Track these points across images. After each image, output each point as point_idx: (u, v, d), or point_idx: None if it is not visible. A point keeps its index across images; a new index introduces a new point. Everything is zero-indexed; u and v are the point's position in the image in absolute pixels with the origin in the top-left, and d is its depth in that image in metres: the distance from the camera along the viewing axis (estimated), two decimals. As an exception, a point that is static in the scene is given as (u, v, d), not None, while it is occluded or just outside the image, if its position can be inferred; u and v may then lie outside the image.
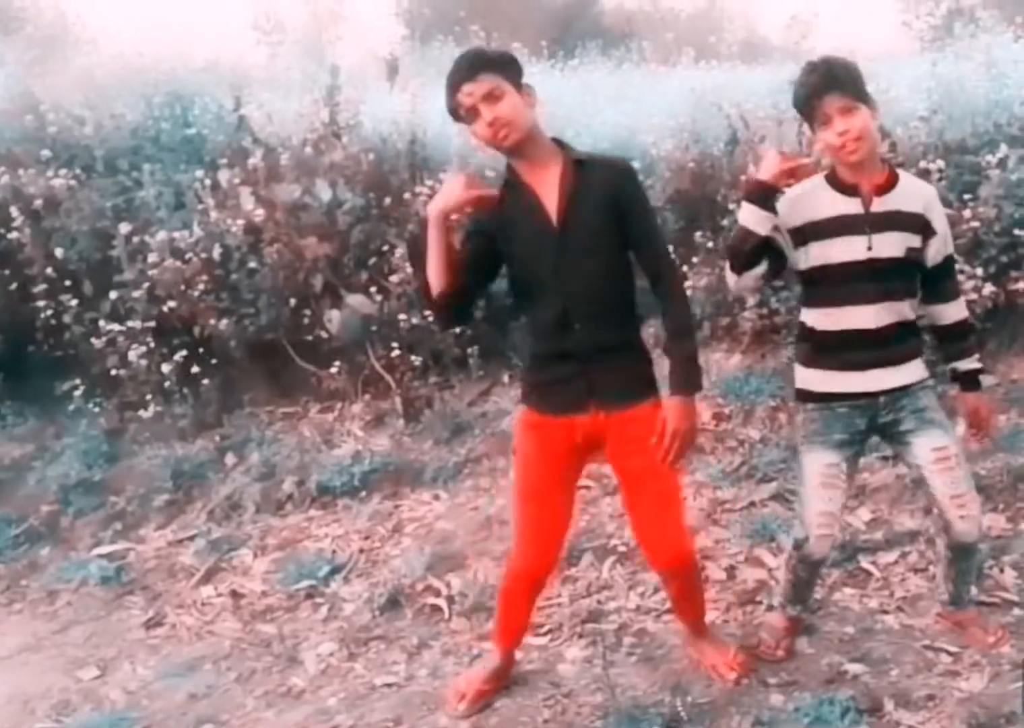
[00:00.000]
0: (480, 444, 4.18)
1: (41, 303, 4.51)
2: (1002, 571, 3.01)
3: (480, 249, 2.37)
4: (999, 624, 2.73)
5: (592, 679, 2.71)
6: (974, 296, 3.94)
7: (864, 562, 3.16)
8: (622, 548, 3.36)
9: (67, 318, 4.50)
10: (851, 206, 2.42)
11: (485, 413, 4.40)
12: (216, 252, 4.56)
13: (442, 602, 3.23)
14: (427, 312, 4.34)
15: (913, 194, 2.47)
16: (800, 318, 2.60)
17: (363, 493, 4.00)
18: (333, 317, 4.50)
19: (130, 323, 4.42)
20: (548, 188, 2.30)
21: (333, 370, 4.52)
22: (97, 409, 4.48)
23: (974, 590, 2.80)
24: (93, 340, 4.43)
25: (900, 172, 2.50)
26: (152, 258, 4.50)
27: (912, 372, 2.51)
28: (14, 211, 4.54)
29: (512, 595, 2.63)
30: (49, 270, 4.55)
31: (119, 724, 2.79)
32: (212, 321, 4.51)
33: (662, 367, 2.39)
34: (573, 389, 2.37)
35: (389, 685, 2.85)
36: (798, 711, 2.43)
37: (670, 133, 5.13)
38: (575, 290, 2.31)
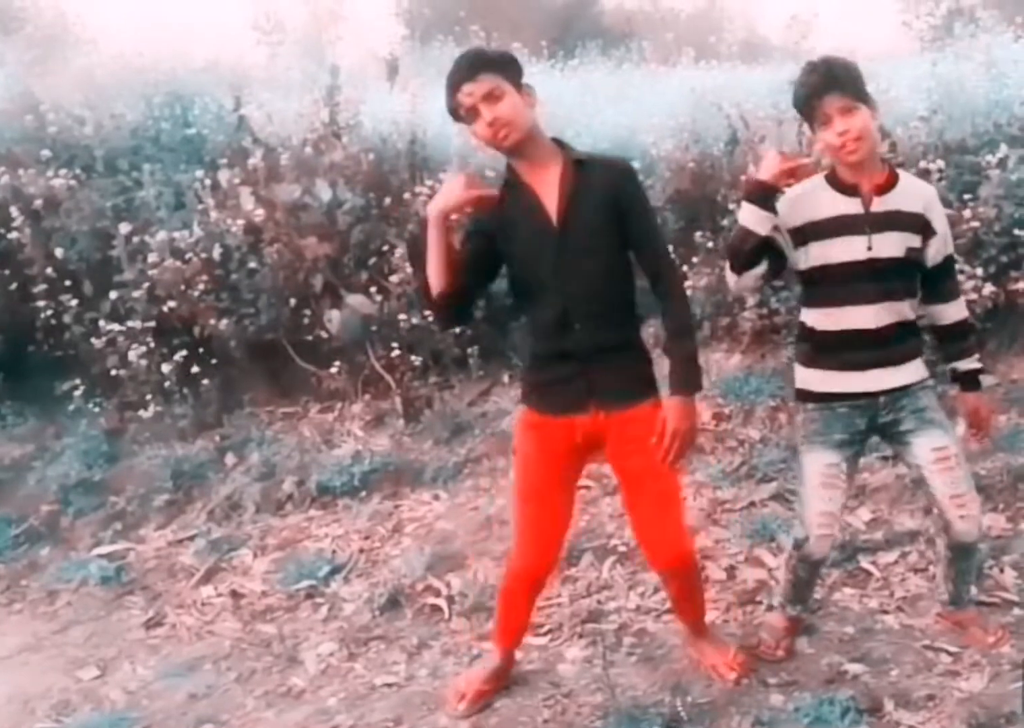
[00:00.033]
0: (480, 444, 4.18)
1: (41, 303, 4.51)
2: (1002, 571, 3.01)
3: (480, 249, 2.37)
4: (999, 624, 2.73)
5: (592, 679, 2.71)
6: (974, 296, 3.95)
7: (864, 562, 3.16)
8: (622, 548, 3.36)
9: (67, 318, 4.50)
10: (851, 206, 2.42)
11: (485, 413, 4.40)
12: (216, 252, 4.57)
13: (442, 602, 3.23)
14: (427, 312, 4.34)
15: (913, 194, 2.47)
16: (800, 318, 2.60)
17: (363, 493, 4.00)
18: (333, 317, 4.50)
19: (130, 323, 4.42)
20: (548, 188, 2.30)
21: (333, 370, 4.52)
22: (97, 409, 4.49)
23: (974, 590, 2.80)
24: (93, 340, 4.43)
25: (900, 172, 2.50)
26: (152, 258, 4.50)
27: (912, 372, 2.51)
28: (14, 211, 4.54)
29: (512, 595, 2.63)
30: (49, 270, 4.55)
31: (119, 724, 2.79)
32: (212, 321, 4.51)
33: (662, 367, 2.39)
34: (573, 389, 2.37)
35: (389, 685, 2.85)
36: (798, 711, 2.44)
37: (670, 133, 5.13)
38: (575, 290, 2.31)
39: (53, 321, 4.54)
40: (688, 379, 2.35)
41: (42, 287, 4.54)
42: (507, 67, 2.27)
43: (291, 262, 4.59)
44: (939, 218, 2.50)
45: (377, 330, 4.54)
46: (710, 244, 4.57)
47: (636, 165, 4.74)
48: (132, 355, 4.36)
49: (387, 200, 4.76)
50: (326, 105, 5.05)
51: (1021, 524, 3.27)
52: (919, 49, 8.33)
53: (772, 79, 5.59)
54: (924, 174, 3.97)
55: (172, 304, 4.48)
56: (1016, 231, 4.18)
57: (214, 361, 4.54)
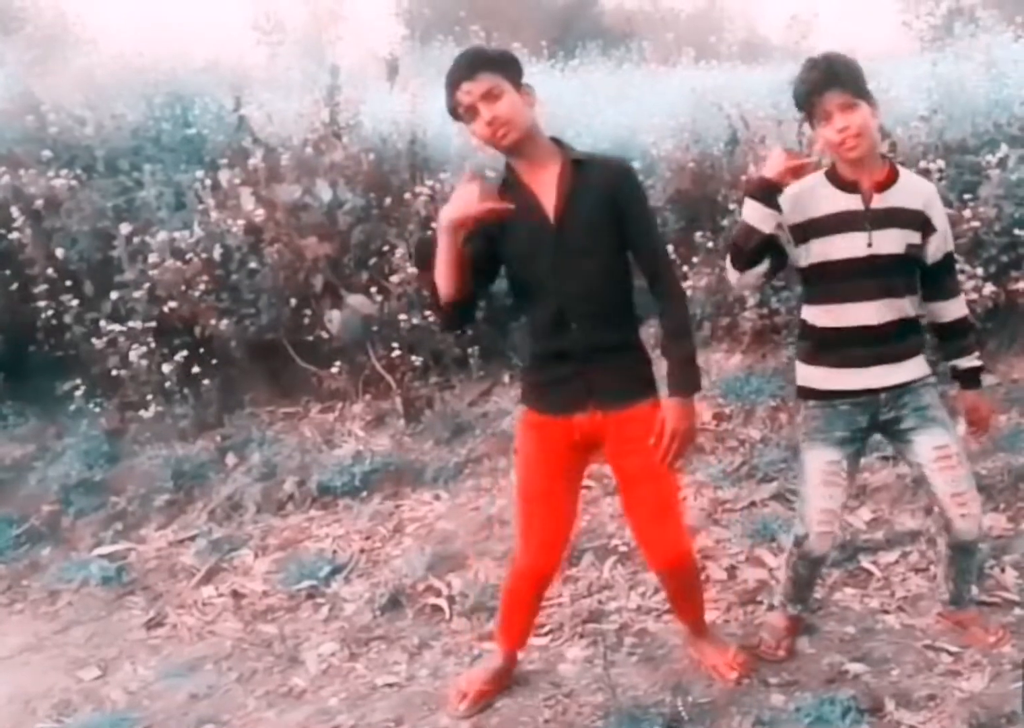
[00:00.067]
0: (481, 444, 4.18)
1: (42, 303, 4.51)
2: (1003, 571, 3.01)
3: (480, 250, 2.37)
4: (1000, 624, 2.73)
5: (593, 679, 2.71)
6: (974, 296, 3.95)
7: (865, 562, 3.16)
8: (623, 548, 3.36)
9: (68, 318, 4.50)
10: (851, 202, 2.42)
11: (486, 413, 4.40)
12: (217, 252, 4.57)
13: (443, 602, 3.23)
14: (427, 312, 4.35)
15: (913, 191, 2.47)
16: (801, 315, 2.60)
17: (364, 493, 4.00)
18: (334, 317, 4.51)
19: (131, 323, 4.42)
20: (546, 188, 2.30)
21: (334, 370, 4.52)
22: (98, 409, 4.49)
23: (975, 590, 2.80)
24: (94, 340, 4.43)
25: (900, 169, 2.50)
26: (153, 258, 4.50)
27: (914, 369, 2.51)
28: (15, 211, 4.54)
29: (517, 594, 2.63)
30: (50, 270, 4.55)
31: (120, 724, 2.79)
32: (213, 321, 4.51)
33: (662, 367, 2.39)
34: (571, 389, 2.37)
35: (390, 685, 2.85)
36: (799, 711, 2.44)
37: (670, 133, 5.14)
38: (572, 290, 2.31)
39: (54, 321, 4.54)
40: (686, 380, 2.35)
41: (43, 287, 4.54)
42: (507, 66, 2.27)
43: (291, 262, 4.59)
44: (939, 215, 2.50)
45: (378, 330, 4.55)
46: (710, 244, 4.57)
47: (636, 165, 4.78)
48: (133, 355, 4.36)
49: (387, 200, 4.76)
50: (326, 105, 5.06)
51: (1022, 524, 3.27)
52: (919, 49, 8.33)
53: (772, 79, 5.60)
54: (924, 174, 3.96)
55: (173, 304, 4.48)
56: (1016, 231, 4.18)
57: (215, 361, 4.54)
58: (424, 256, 2.39)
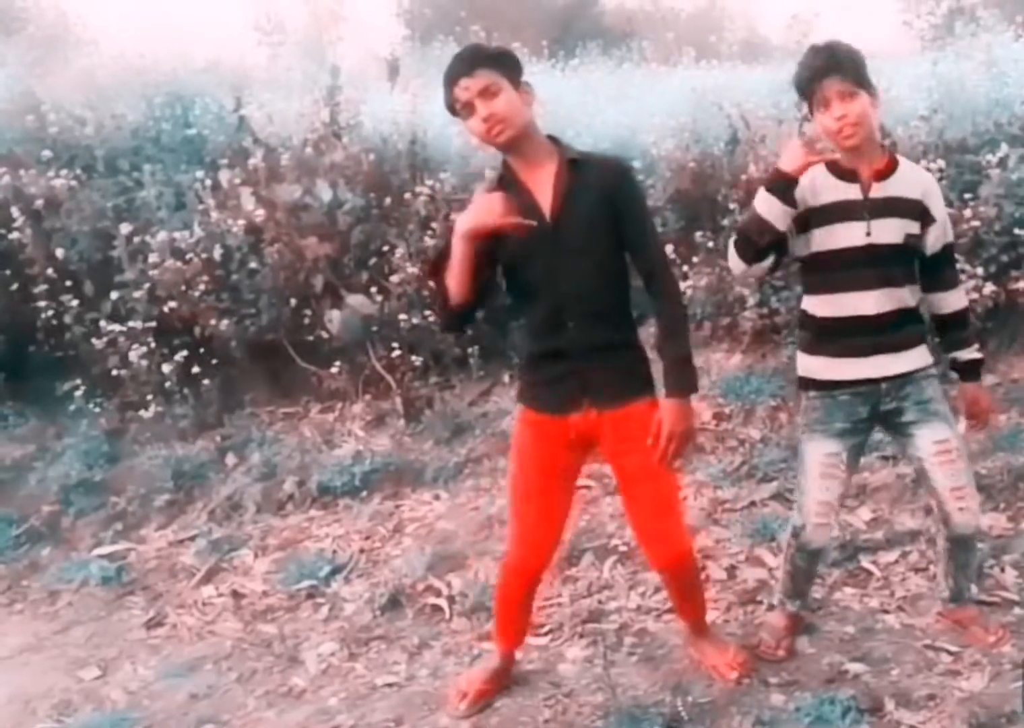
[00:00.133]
0: (481, 444, 4.18)
1: (42, 303, 4.51)
2: (1003, 570, 3.01)
3: (480, 249, 2.36)
4: (1000, 623, 2.72)
5: (593, 679, 2.71)
6: (975, 296, 3.94)
7: (865, 561, 3.16)
8: (623, 548, 3.36)
9: (68, 318, 4.50)
10: (850, 192, 2.42)
11: (486, 413, 4.40)
12: (217, 252, 4.57)
13: (443, 602, 3.23)
14: (427, 312, 4.35)
15: (912, 181, 2.47)
16: (801, 306, 2.60)
17: (364, 493, 4.00)
18: (334, 317, 4.51)
19: (131, 323, 4.42)
20: (543, 186, 2.29)
21: (334, 370, 4.52)
22: (98, 409, 4.49)
23: (974, 589, 2.80)
24: (94, 340, 4.43)
25: (900, 159, 2.49)
26: (153, 258, 4.50)
27: (915, 359, 2.50)
28: (15, 211, 4.54)
29: (507, 592, 2.62)
30: (50, 270, 4.55)
31: (120, 724, 2.79)
32: (213, 321, 4.51)
33: (660, 367, 2.38)
34: (566, 387, 2.37)
35: (390, 685, 2.85)
36: (799, 711, 2.43)
37: (671, 133, 5.14)
38: (569, 289, 2.31)
39: (54, 321, 4.54)
40: (682, 380, 2.34)
41: (43, 287, 4.54)
42: (505, 64, 2.26)
43: (292, 262, 4.59)
44: (938, 205, 2.49)
45: (378, 330, 4.55)
46: (710, 244, 4.57)
47: (637, 165, 4.80)
48: (133, 355, 4.36)
49: (387, 200, 4.76)
50: (327, 105, 5.06)
51: (1022, 523, 3.27)
52: (920, 48, 8.33)
53: (773, 79, 5.59)
54: (924, 174, 3.97)
55: (173, 304, 4.48)
56: (1016, 230, 4.18)
57: (215, 361, 4.54)
58: (436, 260, 2.38)
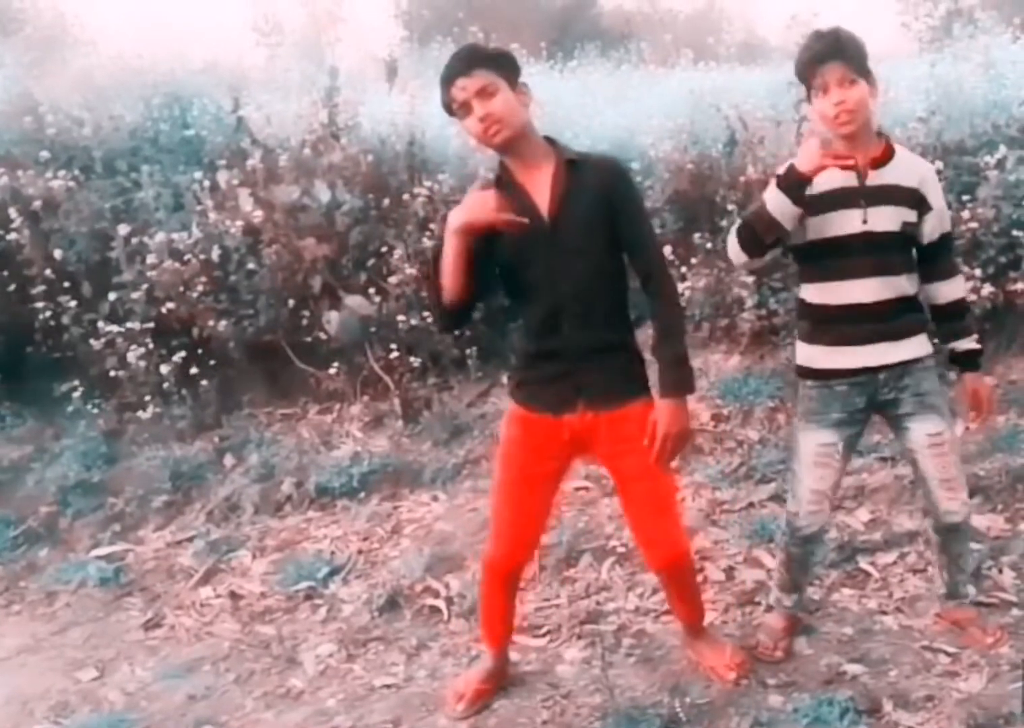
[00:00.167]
0: (479, 445, 4.18)
1: (40, 304, 4.51)
2: (1000, 572, 3.01)
3: (478, 250, 2.36)
4: (998, 624, 2.72)
5: (591, 680, 2.71)
6: (973, 297, 3.94)
7: (863, 563, 3.16)
8: (621, 549, 3.36)
9: (66, 319, 4.50)
10: (847, 179, 2.42)
11: (484, 414, 4.40)
12: (215, 253, 4.57)
13: (441, 603, 3.23)
14: (426, 313, 4.35)
15: (909, 169, 2.46)
16: (799, 295, 2.59)
17: (362, 494, 4.00)
18: (332, 318, 4.51)
19: (129, 324, 4.41)
20: (540, 187, 2.29)
21: (332, 371, 4.52)
22: (96, 410, 4.48)
23: (972, 589, 2.80)
24: (92, 341, 4.43)
25: (897, 147, 2.49)
26: (151, 259, 4.50)
27: (913, 348, 2.49)
28: (13, 212, 4.54)
29: (488, 587, 2.62)
30: (48, 271, 4.55)
31: (118, 725, 2.79)
32: (211, 322, 4.51)
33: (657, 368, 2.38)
34: (561, 388, 2.37)
35: (388, 686, 2.84)
36: (797, 712, 2.43)
37: (669, 134, 5.14)
38: (565, 289, 2.30)
39: (52, 322, 4.54)
40: (678, 381, 2.34)
41: (41, 288, 4.53)
42: (503, 64, 2.26)
43: (290, 263, 4.59)
44: (935, 194, 2.48)
45: (376, 331, 4.55)
46: (709, 245, 4.58)
47: (635, 166, 4.81)
48: (131, 356, 4.35)
49: (386, 201, 4.76)
50: (325, 106, 5.06)
51: (1020, 525, 3.27)
52: (918, 50, 8.33)
53: (771, 80, 5.60)
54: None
55: (171, 305, 4.48)
56: (1014, 232, 4.18)
57: (213, 362, 4.54)
58: (433, 259, 2.37)
